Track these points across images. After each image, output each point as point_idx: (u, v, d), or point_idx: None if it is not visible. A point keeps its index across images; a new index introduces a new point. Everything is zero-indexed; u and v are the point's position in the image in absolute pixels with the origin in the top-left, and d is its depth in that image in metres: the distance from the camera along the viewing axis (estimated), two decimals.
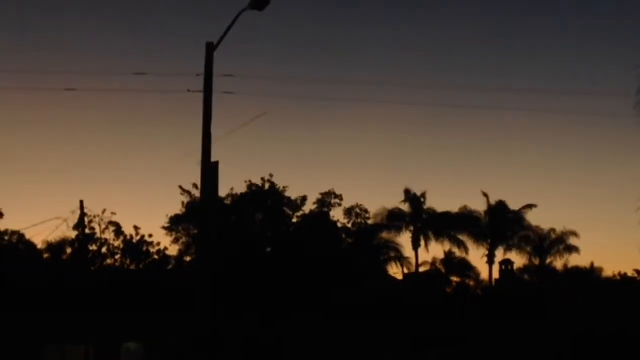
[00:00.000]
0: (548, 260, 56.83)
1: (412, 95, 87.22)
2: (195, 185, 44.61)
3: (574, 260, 57.30)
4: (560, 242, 56.77)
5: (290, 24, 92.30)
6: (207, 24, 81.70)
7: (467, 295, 52.01)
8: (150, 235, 49.04)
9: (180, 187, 46.99)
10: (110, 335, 42.60)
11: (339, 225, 48.93)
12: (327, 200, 48.19)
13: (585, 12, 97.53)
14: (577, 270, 56.12)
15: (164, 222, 48.28)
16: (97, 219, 48.11)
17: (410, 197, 55.16)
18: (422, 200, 55.13)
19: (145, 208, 75.55)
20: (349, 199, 49.31)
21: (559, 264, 57.11)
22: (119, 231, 48.70)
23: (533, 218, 57.74)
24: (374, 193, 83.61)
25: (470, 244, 55.35)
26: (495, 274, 56.14)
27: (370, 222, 50.98)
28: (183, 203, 47.42)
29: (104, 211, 48.06)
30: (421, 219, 54.89)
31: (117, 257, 49.00)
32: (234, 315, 40.02)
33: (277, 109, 62.96)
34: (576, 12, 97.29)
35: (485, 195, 56.84)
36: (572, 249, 56.68)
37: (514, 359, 42.92)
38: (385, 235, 53.79)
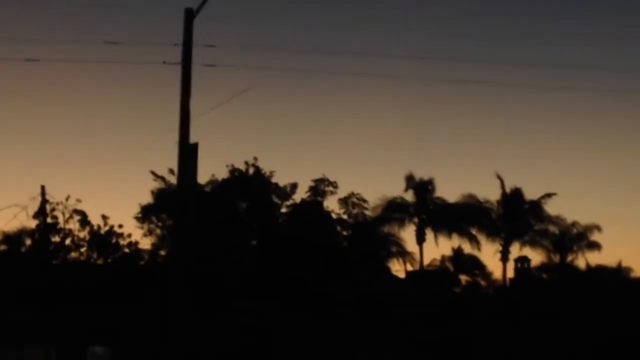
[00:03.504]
0: (569, 258, 56.58)
1: (416, 66, 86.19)
2: (170, 170, 44.96)
3: (598, 258, 57.06)
4: (582, 238, 56.32)
5: None
6: None
7: (478, 296, 52.59)
8: (120, 226, 49.41)
9: (153, 172, 47.28)
10: (74, 337, 43.19)
11: (334, 216, 49.14)
12: (320, 187, 48.34)
13: None
14: (601, 269, 55.91)
15: (136, 211, 48.47)
16: (60, 207, 48.65)
17: (414, 184, 54.42)
18: (428, 188, 54.43)
19: (115, 194, 75.83)
20: (344, 187, 49.56)
21: (581, 261, 56.88)
22: (84, 221, 49.13)
23: (552, 209, 56.79)
24: (373, 179, 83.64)
25: (482, 238, 54.67)
26: (510, 273, 55.78)
27: (368, 213, 51.07)
28: (154, 190, 47.74)
29: (67, 198, 48.71)
30: (427, 209, 54.24)
31: (83, 250, 49.53)
32: (210, 316, 40.74)
33: (263, 84, 62.89)
34: None
35: (500, 178, 55.73)
36: (594, 246, 56.21)
37: None
38: (386, 228, 53.26)
